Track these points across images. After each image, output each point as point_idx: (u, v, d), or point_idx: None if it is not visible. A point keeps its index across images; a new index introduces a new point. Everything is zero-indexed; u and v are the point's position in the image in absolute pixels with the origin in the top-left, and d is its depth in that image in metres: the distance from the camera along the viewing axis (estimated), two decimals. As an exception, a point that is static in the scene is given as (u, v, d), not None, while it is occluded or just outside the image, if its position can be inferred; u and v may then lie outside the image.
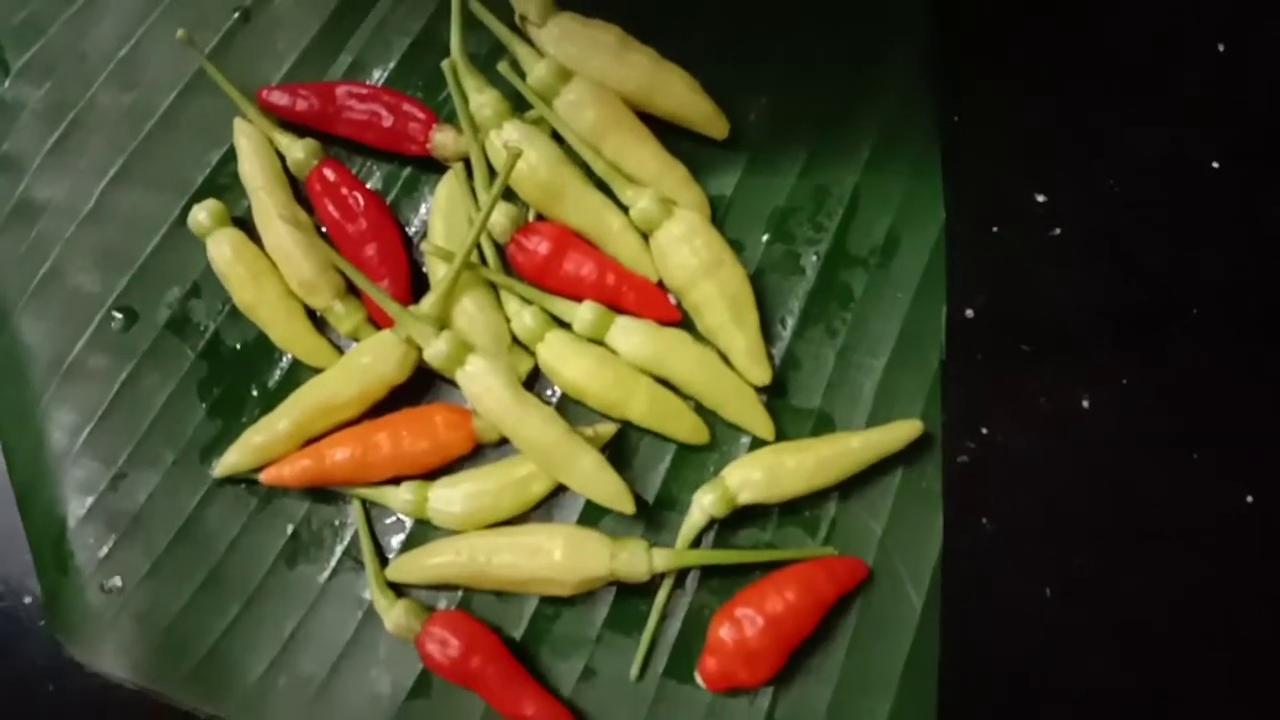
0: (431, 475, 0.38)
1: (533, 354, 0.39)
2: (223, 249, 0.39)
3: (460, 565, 0.37)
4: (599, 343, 0.39)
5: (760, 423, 0.38)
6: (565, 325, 0.39)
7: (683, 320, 0.39)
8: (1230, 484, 0.38)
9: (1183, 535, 0.38)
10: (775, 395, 0.39)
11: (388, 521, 0.39)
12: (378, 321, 0.40)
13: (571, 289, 0.39)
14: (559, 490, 0.38)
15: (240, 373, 0.40)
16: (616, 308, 0.39)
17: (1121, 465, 0.39)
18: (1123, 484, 0.38)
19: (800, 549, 0.37)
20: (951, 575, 0.37)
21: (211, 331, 0.41)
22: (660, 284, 0.40)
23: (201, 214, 0.40)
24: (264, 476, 0.38)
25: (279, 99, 0.41)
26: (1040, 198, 0.41)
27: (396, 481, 0.38)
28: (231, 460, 0.38)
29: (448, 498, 0.38)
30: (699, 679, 0.36)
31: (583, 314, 0.38)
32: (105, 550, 0.39)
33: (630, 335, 0.38)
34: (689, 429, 0.39)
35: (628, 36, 0.41)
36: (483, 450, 0.39)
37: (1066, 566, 0.38)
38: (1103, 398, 0.39)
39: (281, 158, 0.41)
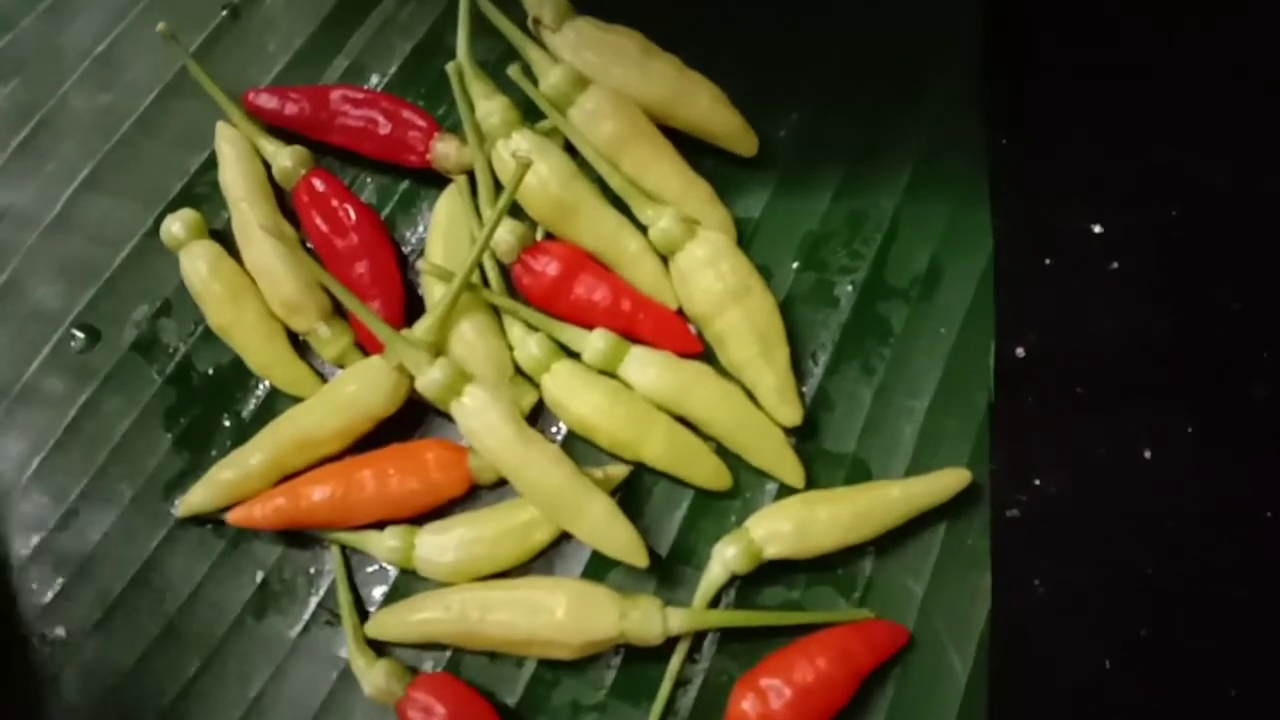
0: (420, 519, 0.34)
1: (537, 386, 0.35)
2: (197, 264, 0.36)
3: (449, 623, 0.33)
4: (611, 375, 0.35)
5: (789, 468, 0.35)
6: (574, 355, 0.35)
7: (704, 353, 0.36)
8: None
9: (1255, 601, 0.34)
10: (805, 438, 0.35)
11: (369, 570, 0.35)
12: (366, 347, 0.36)
13: (582, 315, 0.35)
14: (563, 539, 0.34)
15: (212, 401, 0.36)
16: (632, 337, 0.35)
17: (1188, 523, 0.35)
18: (1189, 544, 0.35)
19: (833, 611, 0.33)
20: (1000, 642, 0.33)
21: (182, 354, 0.37)
22: (680, 312, 0.36)
23: (175, 225, 0.36)
24: (231, 517, 0.34)
25: (267, 102, 0.38)
26: (1097, 228, 0.38)
27: (381, 526, 0.34)
28: (196, 499, 0.34)
29: (438, 545, 0.34)
30: (718, 757, 0.32)
31: (594, 343, 0.35)
32: (50, 596, 0.35)
33: (646, 367, 0.35)
34: (710, 473, 0.35)
35: (650, 44, 0.37)
36: (478, 492, 0.35)
37: (1128, 635, 0.34)
38: (1167, 448, 0.35)
39: (267, 166, 0.38)
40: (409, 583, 0.34)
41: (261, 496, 0.34)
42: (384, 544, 0.34)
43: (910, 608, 0.34)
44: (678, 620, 0.32)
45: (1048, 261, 0.37)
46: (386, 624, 0.33)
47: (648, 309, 0.36)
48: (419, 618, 0.33)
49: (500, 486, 0.35)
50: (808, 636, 0.32)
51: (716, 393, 0.35)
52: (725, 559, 0.33)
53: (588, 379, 0.35)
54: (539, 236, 0.37)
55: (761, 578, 0.34)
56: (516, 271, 0.36)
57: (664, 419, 0.35)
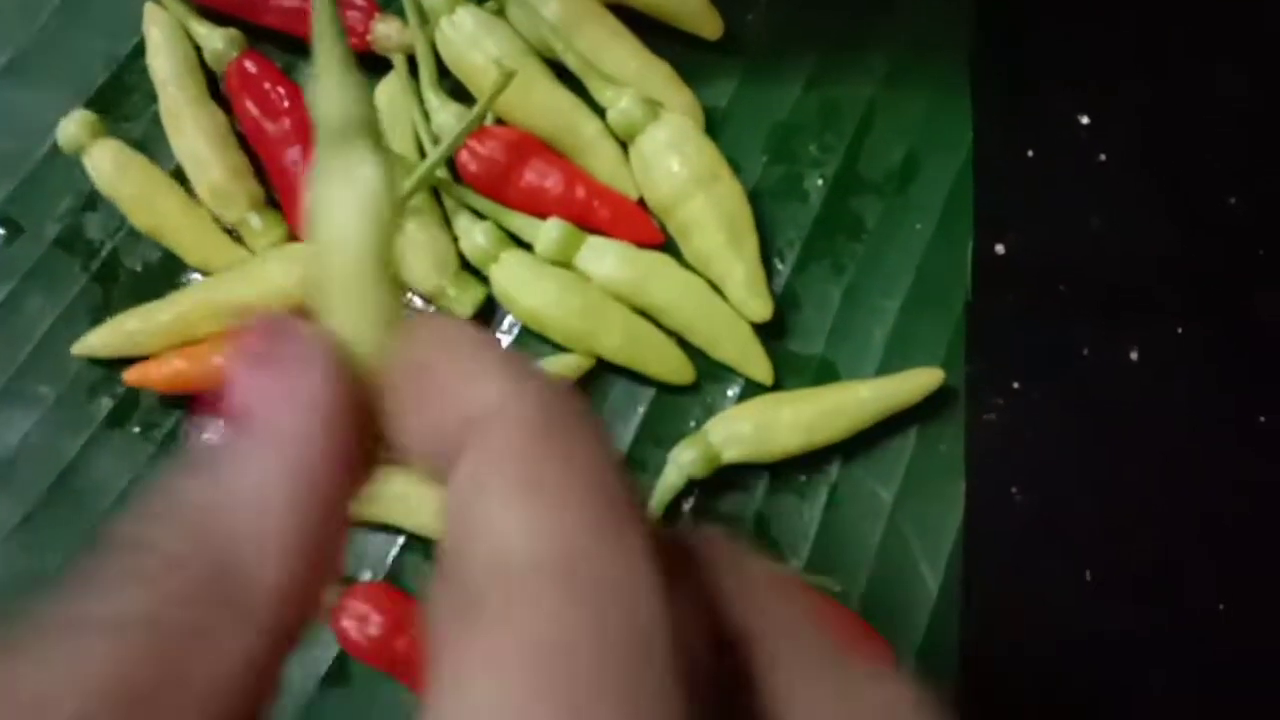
0: None
1: (486, 280, 0.33)
2: (102, 167, 0.33)
3: (392, 495, 0.31)
4: (566, 266, 0.33)
5: (757, 362, 0.32)
6: (526, 246, 0.33)
7: (666, 244, 0.33)
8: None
9: (1245, 514, 0.32)
10: (771, 338, 0.33)
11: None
12: (299, 238, 0.34)
13: (534, 204, 0.33)
14: None
15: (140, 297, 0.34)
16: (588, 227, 0.33)
17: (1176, 430, 0.33)
18: (1178, 452, 0.32)
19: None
20: (974, 554, 0.31)
21: (108, 250, 0.35)
22: (641, 202, 0.34)
23: (70, 127, 0.34)
24: (128, 375, 0.32)
25: (198, -19, 0.35)
26: (1084, 119, 0.35)
27: None
28: (95, 340, 0.33)
29: None
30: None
31: (547, 232, 0.32)
32: (-35, 500, 0.33)
33: (604, 256, 0.32)
34: (672, 366, 0.33)
35: (607, -84, 0.35)
36: None
37: (1110, 548, 0.32)
38: (1154, 350, 0.33)
39: (198, 50, 0.35)
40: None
41: (160, 357, 0.32)
42: None
43: (879, 516, 0.32)
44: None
45: (1031, 154, 0.35)
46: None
47: (605, 197, 0.33)
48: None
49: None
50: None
51: (679, 283, 0.33)
52: (682, 463, 0.31)
53: (539, 269, 0.33)
54: (488, 122, 0.34)
55: (722, 483, 0.32)
56: (462, 158, 0.33)
57: (621, 309, 0.33)
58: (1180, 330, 0.33)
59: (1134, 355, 0.33)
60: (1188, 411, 0.33)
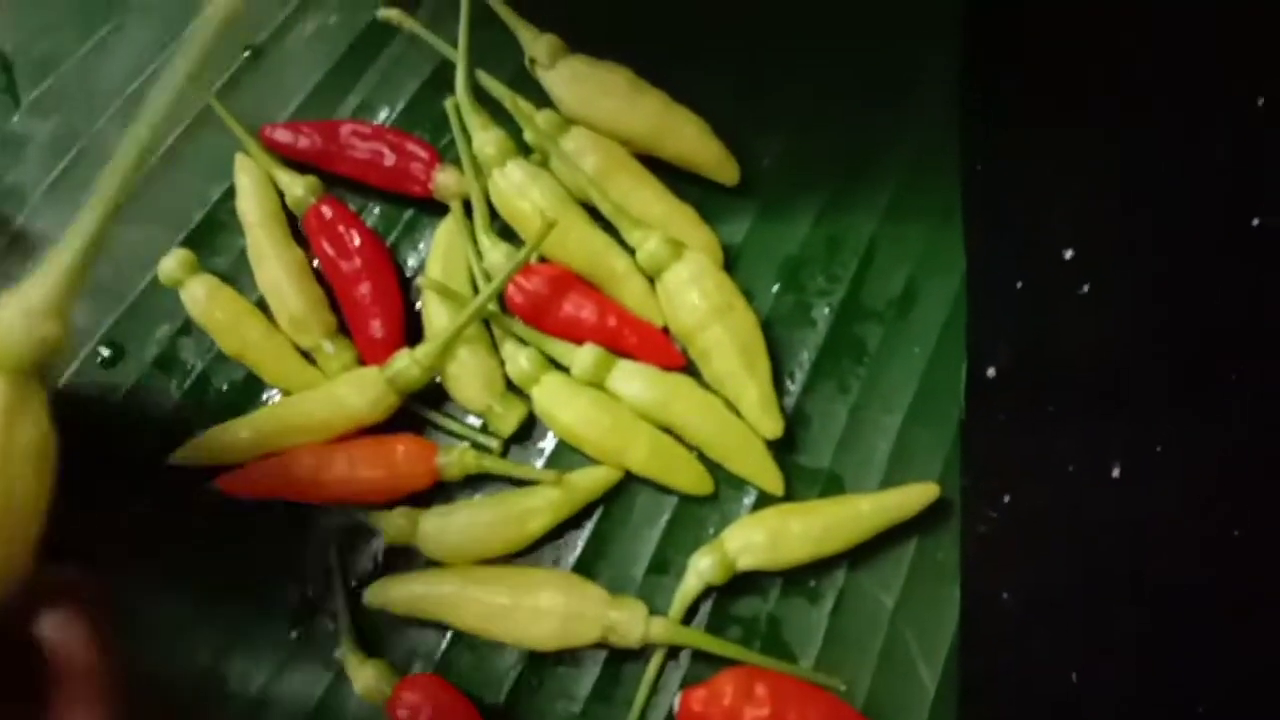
0: (388, 505, 0.36)
1: (529, 399, 0.37)
2: (197, 298, 0.38)
3: (444, 596, 0.35)
4: (599, 387, 0.37)
5: (769, 476, 0.36)
6: (564, 369, 0.37)
7: (688, 367, 0.37)
8: (1276, 565, 0.35)
9: (1223, 614, 0.35)
10: (783, 452, 0.36)
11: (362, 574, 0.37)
12: (366, 362, 0.38)
13: (571, 332, 0.37)
14: (557, 531, 0.36)
15: (226, 413, 0.38)
16: (618, 352, 0.37)
17: (1158, 540, 0.35)
18: (1159, 560, 0.35)
19: (804, 668, 0.34)
20: (969, 656, 0.34)
21: (199, 371, 0.39)
22: (666, 330, 0.38)
23: (170, 264, 0.39)
24: (219, 481, 0.36)
25: (282, 136, 0.40)
26: (1068, 252, 0.39)
27: (361, 508, 0.36)
28: (188, 452, 0.37)
29: (440, 526, 0.35)
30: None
31: (582, 357, 0.37)
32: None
33: (632, 380, 0.36)
34: (692, 479, 0.36)
35: (638, 79, 0.40)
36: (453, 486, 0.37)
37: (1097, 650, 0.34)
38: (1135, 466, 0.36)
39: (281, 196, 0.40)
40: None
41: (245, 468, 0.36)
42: (393, 520, 0.36)
43: (881, 620, 0.35)
44: (658, 628, 0.34)
45: (1020, 284, 0.38)
46: (385, 592, 0.35)
47: (633, 325, 0.38)
48: (415, 588, 0.35)
49: (465, 484, 0.37)
50: (777, 675, 0.33)
51: (699, 403, 0.37)
52: (700, 570, 0.35)
53: (575, 390, 0.37)
54: (532, 259, 0.39)
55: (737, 587, 0.35)
56: (509, 291, 0.38)
57: (648, 428, 0.36)
58: (1159, 449, 0.36)
59: (1116, 472, 0.36)
60: (1165, 523, 0.35)
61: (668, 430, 0.37)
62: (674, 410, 0.36)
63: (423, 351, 0.36)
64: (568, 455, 0.37)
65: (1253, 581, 0.35)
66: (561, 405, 0.37)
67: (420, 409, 0.38)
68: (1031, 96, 0.41)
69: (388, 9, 0.41)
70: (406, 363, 0.36)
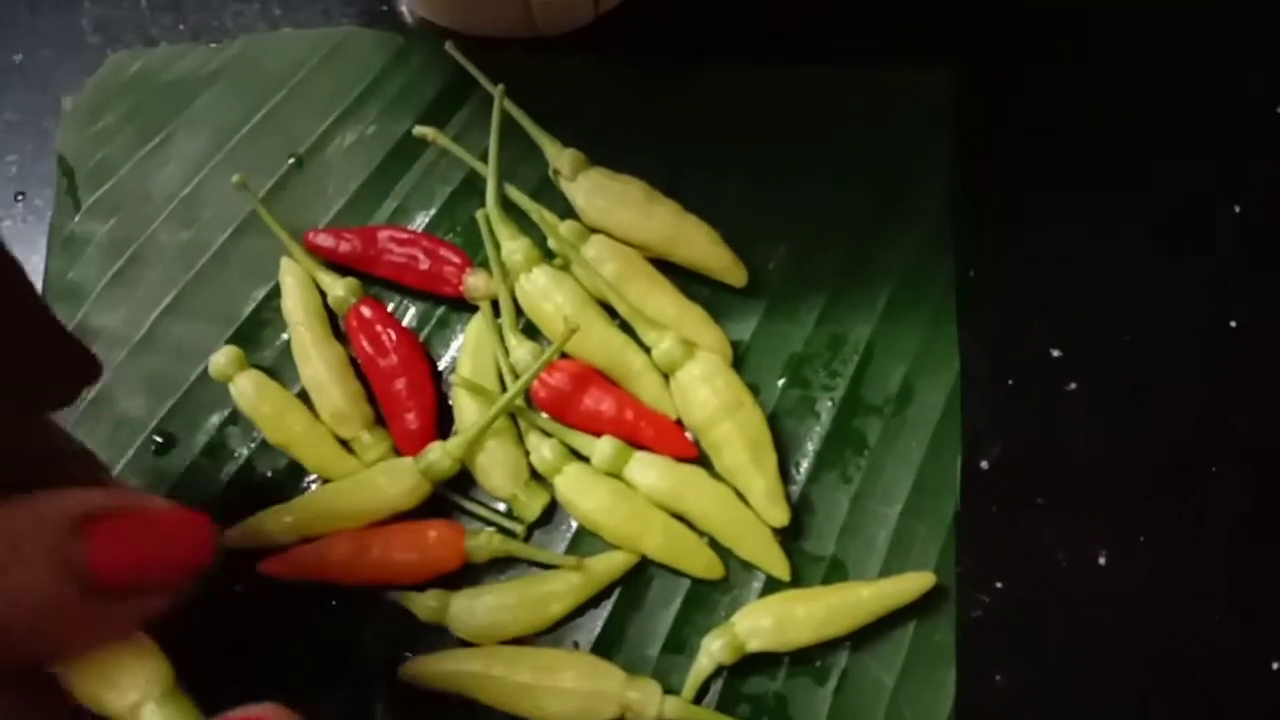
0: (420, 587, 0.39)
1: (551, 487, 0.40)
2: (245, 392, 0.41)
3: (472, 674, 0.37)
4: (616, 477, 0.40)
5: (776, 562, 0.38)
6: (584, 459, 0.40)
7: (700, 459, 0.40)
8: (1254, 648, 0.37)
9: (1202, 698, 0.37)
10: (789, 539, 0.39)
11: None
12: (401, 452, 0.41)
13: (591, 424, 0.40)
14: (578, 612, 0.39)
15: (269, 499, 0.41)
16: (635, 443, 0.40)
17: (1139, 625, 0.38)
18: (1140, 644, 0.38)
19: None
20: (965, 733, 0.36)
21: (244, 459, 0.42)
22: (678, 422, 0.41)
23: (220, 360, 0.42)
24: (262, 565, 0.39)
25: (324, 241, 0.44)
26: (1055, 352, 0.42)
27: (394, 588, 0.39)
28: (235, 535, 0.39)
29: (468, 608, 0.38)
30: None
31: (601, 449, 0.39)
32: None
33: (648, 470, 0.39)
34: (704, 564, 0.39)
35: (653, 190, 0.43)
36: (481, 568, 0.39)
37: (1086, 727, 0.37)
38: (1119, 554, 0.39)
39: (323, 295, 0.43)
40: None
41: (287, 552, 0.39)
42: (424, 602, 0.38)
43: (881, 698, 0.37)
44: (672, 707, 0.36)
45: (1010, 381, 0.41)
46: (418, 668, 0.38)
47: (649, 418, 0.40)
48: (446, 666, 0.37)
49: (492, 566, 0.39)
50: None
51: (711, 494, 0.39)
52: (712, 651, 0.37)
53: (595, 480, 0.39)
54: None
55: (746, 667, 0.37)
56: (535, 386, 0.41)
57: (662, 516, 0.39)
58: (1142, 538, 0.39)
59: (1102, 560, 0.39)
60: (1149, 607, 0.38)
61: (681, 518, 0.39)
62: (687, 499, 0.39)
63: (454, 444, 0.39)
64: (588, 540, 0.40)
65: (1233, 659, 0.37)
66: (582, 494, 0.39)
67: (450, 495, 0.40)
68: (1020, 209, 0.44)
69: (422, 127, 0.45)
70: (439, 454, 0.39)
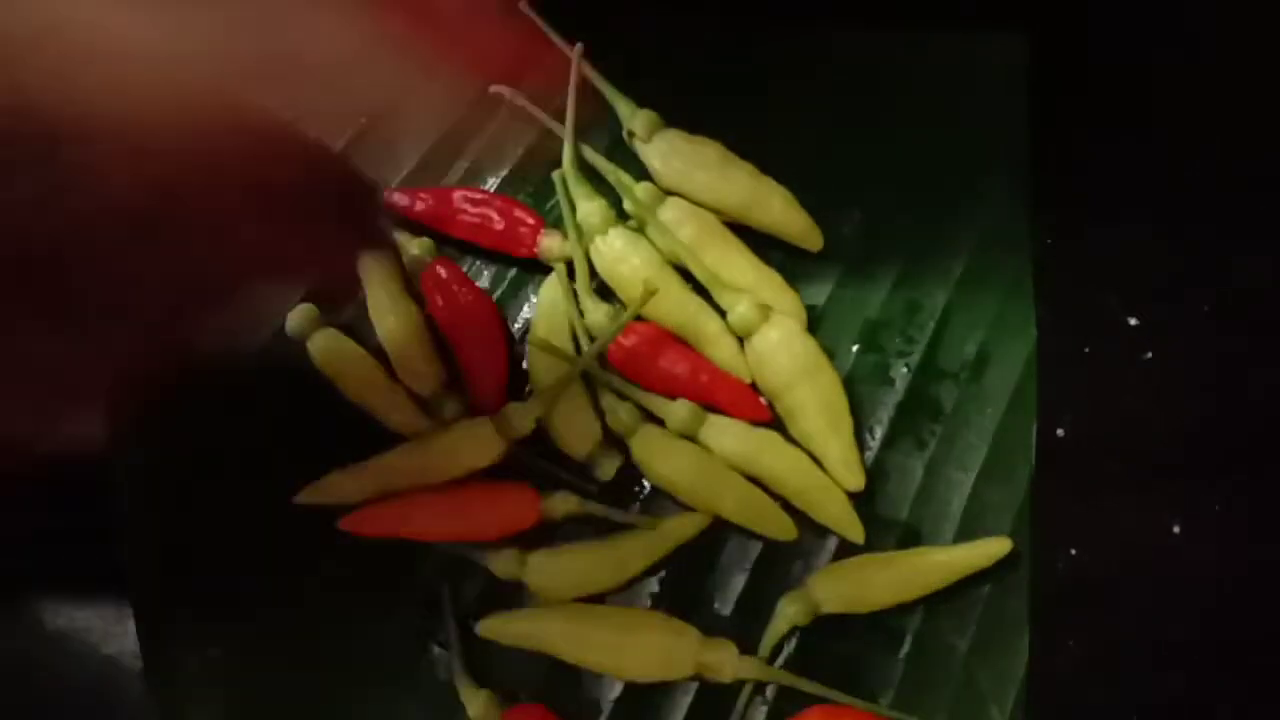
0: (496, 546, 0.39)
1: (626, 448, 0.40)
2: (323, 349, 0.42)
3: (553, 631, 0.38)
4: (692, 440, 0.40)
5: (851, 526, 0.39)
6: (659, 422, 0.40)
7: (775, 423, 0.40)
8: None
9: (1274, 674, 0.37)
10: (862, 504, 0.39)
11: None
12: (477, 409, 0.41)
13: (667, 387, 0.40)
14: (652, 570, 0.39)
15: (347, 457, 0.41)
16: (709, 406, 0.40)
17: (1214, 595, 0.38)
18: (1215, 614, 0.38)
19: (888, 709, 0.37)
20: (1037, 697, 0.37)
21: (318, 416, 0.43)
22: (753, 386, 0.41)
23: (296, 318, 0.43)
24: (344, 522, 0.39)
25: (400, 200, 0.44)
26: (1133, 320, 0.41)
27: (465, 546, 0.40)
28: (312, 493, 0.40)
29: (546, 566, 0.39)
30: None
31: (676, 411, 0.40)
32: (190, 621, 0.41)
33: (723, 434, 0.39)
34: (778, 526, 0.39)
35: (729, 153, 0.43)
36: (556, 528, 0.40)
37: (1155, 693, 0.37)
38: (1194, 525, 0.39)
39: (399, 255, 0.44)
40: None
41: (368, 509, 0.39)
42: (502, 560, 0.39)
43: (955, 662, 0.37)
44: (747, 666, 0.37)
45: (1087, 350, 0.41)
46: (497, 626, 0.38)
47: (724, 382, 0.41)
48: (526, 624, 0.38)
49: (565, 524, 0.40)
50: (859, 714, 0.36)
51: (787, 456, 0.39)
52: (789, 614, 0.37)
53: (670, 442, 0.40)
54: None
55: (820, 629, 0.38)
56: (611, 348, 0.41)
57: (736, 476, 0.39)
58: (1217, 509, 0.39)
59: (1176, 528, 0.39)
60: (1223, 579, 0.38)
61: (755, 480, 0.40)
62: (762, 463, 0.39)
63: (531, 404, 0.39)
64: (661, 501, 0.40)
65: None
66: (657, 455, 0.40)
67: (526, 455, 0.41)
68: (1099, 178, 0.43)
69: (498, 85, 0.44)
70: (516, 415, 0.39)
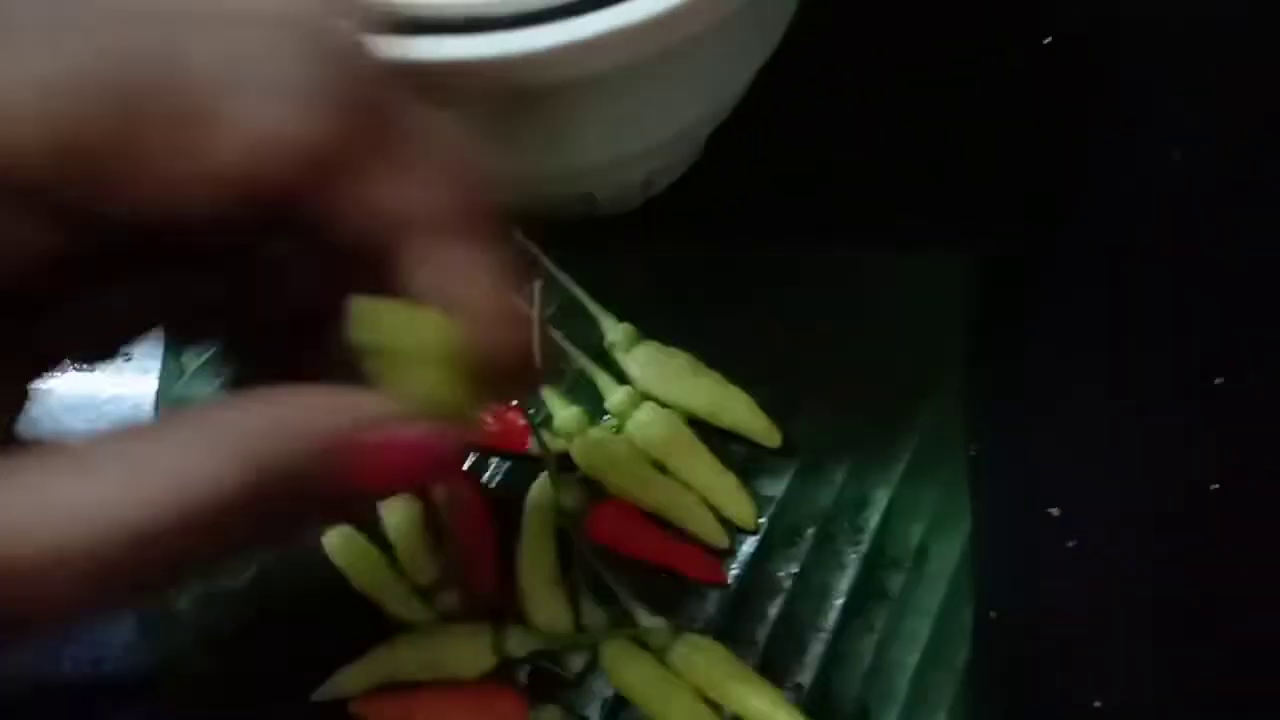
0: None
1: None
2: (334, 543, 0.47)
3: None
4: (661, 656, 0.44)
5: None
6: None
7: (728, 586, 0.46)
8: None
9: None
10: (817, 686, 0.44)
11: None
12: (473, 602, 0.46)
13: (638, 552, 0.46)
14: None
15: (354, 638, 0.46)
16: (673, 569, 0.46)
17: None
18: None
19: None
20: None
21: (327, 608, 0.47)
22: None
23: None
24: (354, 707, 0.44)
25: (406, 404, 0.49)
26: (1054, 511, 0.47)
27: None
28: (328, 690, 0.44)
29: None
30: None
31: (652, 625, 0.44)
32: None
33: (694, 653, 0.44)
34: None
35: (698, 363, 0.48)
36: None
37: None
38: (1117, 698, 0.43)
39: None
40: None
41: (372, 699, 0.44)
42: None
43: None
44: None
45: (1014, 539, 0.46)
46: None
47: (683, 549, 0.47)
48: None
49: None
50: None
51: (755, 693, 0.43)
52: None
53: (638, 655, 0.44)
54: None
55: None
56: (592, 522, 0.47)
57: (698, 703, 0.43)
58: (1142, 682, 0.43)
59: (1097, 703, 0.43)
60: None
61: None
62: (727, 690, 0.43)
63: (530, 637, 0.44)
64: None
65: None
66: (624, 667, 0.44)
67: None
68: (1026, 384, 0.49)
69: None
70: (514, 639, 0.44)
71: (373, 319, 0.20)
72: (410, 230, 0.20)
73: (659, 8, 0.29)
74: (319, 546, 0.47)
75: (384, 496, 0.26)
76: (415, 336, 0.20)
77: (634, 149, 0.42)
